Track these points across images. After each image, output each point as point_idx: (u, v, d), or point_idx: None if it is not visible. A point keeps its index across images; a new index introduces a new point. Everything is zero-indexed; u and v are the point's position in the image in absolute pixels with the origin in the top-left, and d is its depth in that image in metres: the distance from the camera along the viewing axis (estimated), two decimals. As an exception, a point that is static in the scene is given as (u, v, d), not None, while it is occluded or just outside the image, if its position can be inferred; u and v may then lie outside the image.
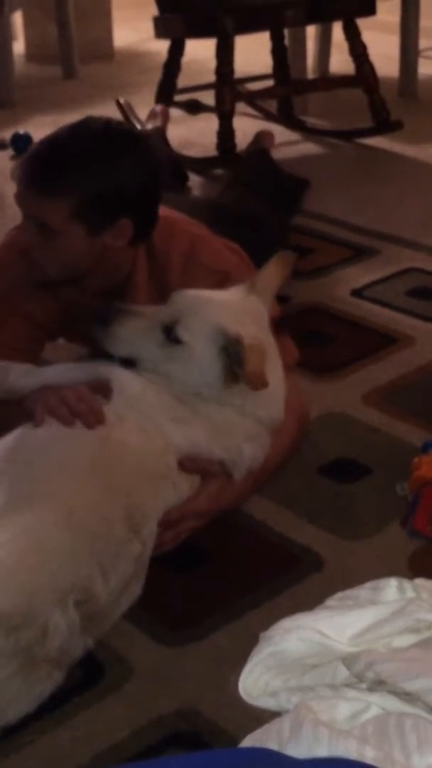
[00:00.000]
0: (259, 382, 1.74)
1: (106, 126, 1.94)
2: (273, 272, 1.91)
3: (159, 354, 1.79)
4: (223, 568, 1.79)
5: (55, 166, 1.87)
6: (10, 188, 3.58)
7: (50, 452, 1.70)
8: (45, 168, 1.88)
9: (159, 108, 3.80)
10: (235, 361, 1.73)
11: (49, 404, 1.77)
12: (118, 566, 1.60)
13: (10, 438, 1.75)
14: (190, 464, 1.78)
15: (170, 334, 1.77)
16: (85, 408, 1.75)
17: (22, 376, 1.91)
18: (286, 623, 1.52)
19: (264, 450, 1.87)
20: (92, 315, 1.85)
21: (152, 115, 3.77)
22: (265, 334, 1.83)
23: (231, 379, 1.76)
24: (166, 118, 3.75)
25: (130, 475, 1.70)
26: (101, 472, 1.67)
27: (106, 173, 1.88)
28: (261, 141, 3.56)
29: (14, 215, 3.22)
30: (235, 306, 1.82)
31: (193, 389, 1.79)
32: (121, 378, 1.82)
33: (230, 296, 1.85)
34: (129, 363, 1.83)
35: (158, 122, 3.68)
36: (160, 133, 3.59)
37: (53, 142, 1.91)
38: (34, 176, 1.89)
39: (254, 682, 1.50)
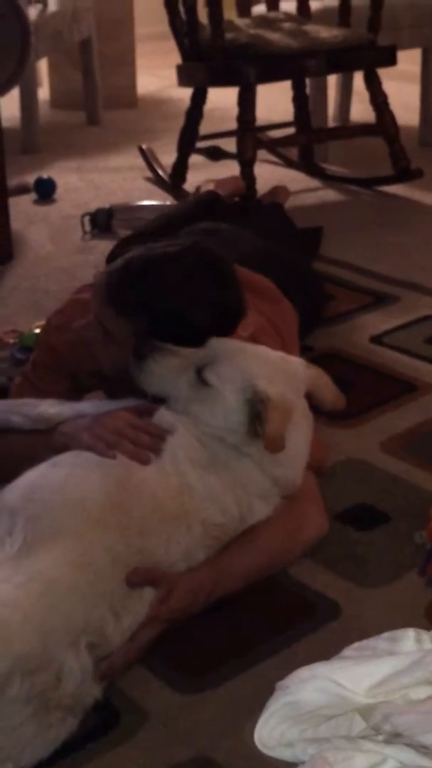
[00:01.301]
0: (275, 445, 1.75)
1: (201, 264, 1.90)
2: (324, 392, 1.90)
3: (188, 394, 1.80)
4: (239, 615, 1.78)
5: (132, 290, 1.87)
6: (33, 232, 3.68)
7: (67, 491, 1.70)
8: (123, 286, 1.88)
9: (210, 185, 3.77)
10: (257, 418, 1.74)
11: (106, 438, 1.77)
12: (131, 608, 1.60)
13: (32, 475, 1.76)
14: (133, 578, 1.64)
15: (201, 376, 1.79)
16: (148, 440, 1.76)
17: (54, 405, 1.93)
18: (303, 673, 1.51)
19: (272, 511, 1.84)
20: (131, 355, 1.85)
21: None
22: (296, 396, 1.83)
23: (252, 433, 1.76)
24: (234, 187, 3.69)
25: (145, 516, 1.70)
26: (117, 512, 1.68)
27: (177, 313, 1.85)
28: (276, 195, 3.59)
29: (36, 258, 3.28)
30: (271, 362, 1.83)
31: (216, 432, 1.79)
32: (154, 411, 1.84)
33: (270, 352, 1.86)
34: (159, 402, 1.84)
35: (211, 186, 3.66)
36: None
37: (143, 263, 1.89)
38: (111, 289, 1.90)
39: (270, 732, 1.49)
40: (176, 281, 1.87)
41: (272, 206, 3.43)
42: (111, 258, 3.09)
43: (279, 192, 3.60)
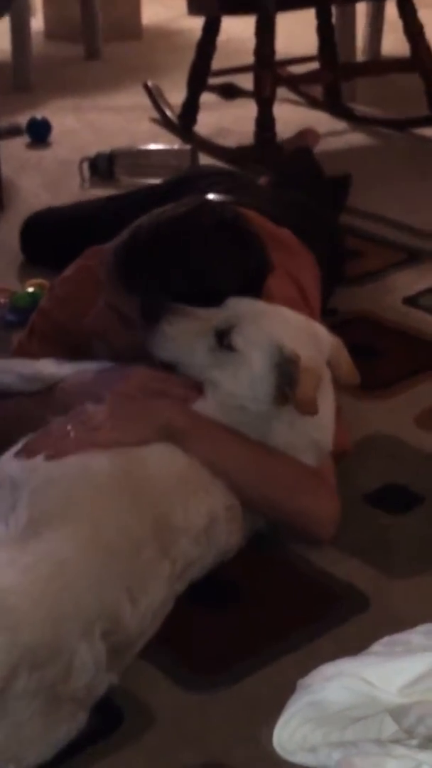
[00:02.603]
0: (308, 407, 1.77)
1: (217, 225, 1.89)
2: (341, 364, 1.91)
3: (207, 359, 1.81)
4: (257, 607, 1.79)
5: (144, 265, 1.87)
6: (25, 179, 3.67)
7: (72, 462, 1.72)
8: (133, 262, 1.88)
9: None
10: (287, 381, 1.76)
11: (134, 396, 1.80)
12: (148, 589, 1.62)
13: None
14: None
15: (223, 340, 1.80)
16: (182, 390, 1.80)
17: (51, 364, 1.95)
18: (327, 670, 1.52)
19: None
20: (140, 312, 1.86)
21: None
22: (322, 360, 1.86)
23: (280, 398, 1.78)
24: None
25: (156, 482, 1.73)
26: (125, 481, 1.71)
27: (197, 284, 1.86)
28: (305, 138, 3.57)
29: (29, 209, 3.26)
30: (296, 323, 1.86)
31: (239, 401, 1.81)
32: None
33: (294, 314, 1.88)
34: (170, 368, 1.86)
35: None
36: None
37: (152, 232, 1.88)
38: (120, 268, 1.90)
39: (290, 736, 1.50)
40: (191, 247, 1.87)
41: (300, 152, 3.42)
42: (25, 231, 3.08)
43: (307, 135, 3.58)
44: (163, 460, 1.76)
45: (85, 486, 1.68)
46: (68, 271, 2.21)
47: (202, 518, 1.74)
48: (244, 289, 1.88)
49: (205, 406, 1.82)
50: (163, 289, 1.85)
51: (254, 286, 1.92)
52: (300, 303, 2.10)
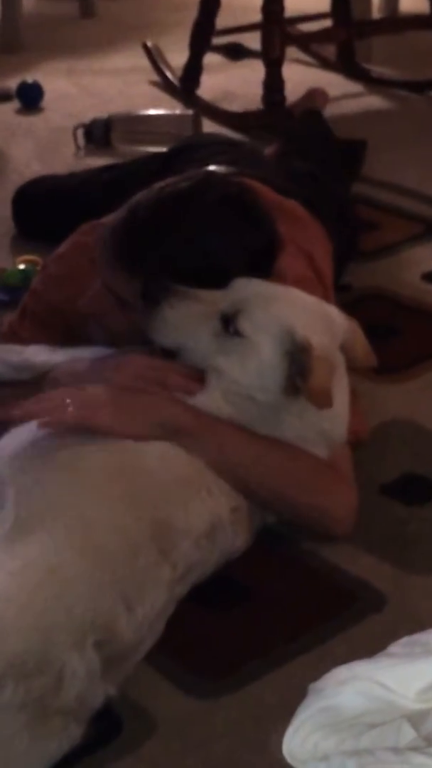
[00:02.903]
0: (323, 400, 1.77)
1: (222, 200, 1.89)
2: (356, 347, 1.91)
3: (212, 345, 1.81)
4: (265, 606, 1.79)
5: (144, 244, 1.87)
6: (15, 147, 3.67)
7: (64, 457, 1.72)
8: (132, 241, 1.88)
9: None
10: (298, 370, 1.76)
11: (131, 386, 1.80)
12: (146, 596, 1.62)
13: (19, 436, 1.78)
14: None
15: (229, 325, 1.80)
16: (181, 379, 1.80)
17: (42, 352, 1.95)
18: (341, 673, 1.52)
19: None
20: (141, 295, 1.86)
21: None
22: (335, 346, 1.85)
23: (290, 389, 1.78)
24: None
25: (155, 481, 1.73)
26: (122, 480, 1.70)
27: (202, 265, 1.85)
28: (313, 100, 3.56)
29: (20, 179, 3.27)
30: (308, 307, 1.85)
31: (245, 390, 1.81)
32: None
33: (306, 297, 1.88)
34: (170, 355, 1.86)
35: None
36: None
37: (153, 209, 1.88)
38: (118, 248, 1.89)
39: (301, 743, 1.50)
40: (195, 225, 1.86)
41: (309, 114, 3.41)
42: (16, 202, 3.08)
43: (316, 96, 3.58)
44: (163, 459, 1.76)
45: (78, 484, 1.68)
46: (62, 248, 2.21)
47: (204, 520, 1.74)
48: (253, 268, 1.88)
49: (208, 396, 1.81)
50: (164, 270, 1.85)
51: (264, 265, 1.91)
52: (313, 282, 2.10)
